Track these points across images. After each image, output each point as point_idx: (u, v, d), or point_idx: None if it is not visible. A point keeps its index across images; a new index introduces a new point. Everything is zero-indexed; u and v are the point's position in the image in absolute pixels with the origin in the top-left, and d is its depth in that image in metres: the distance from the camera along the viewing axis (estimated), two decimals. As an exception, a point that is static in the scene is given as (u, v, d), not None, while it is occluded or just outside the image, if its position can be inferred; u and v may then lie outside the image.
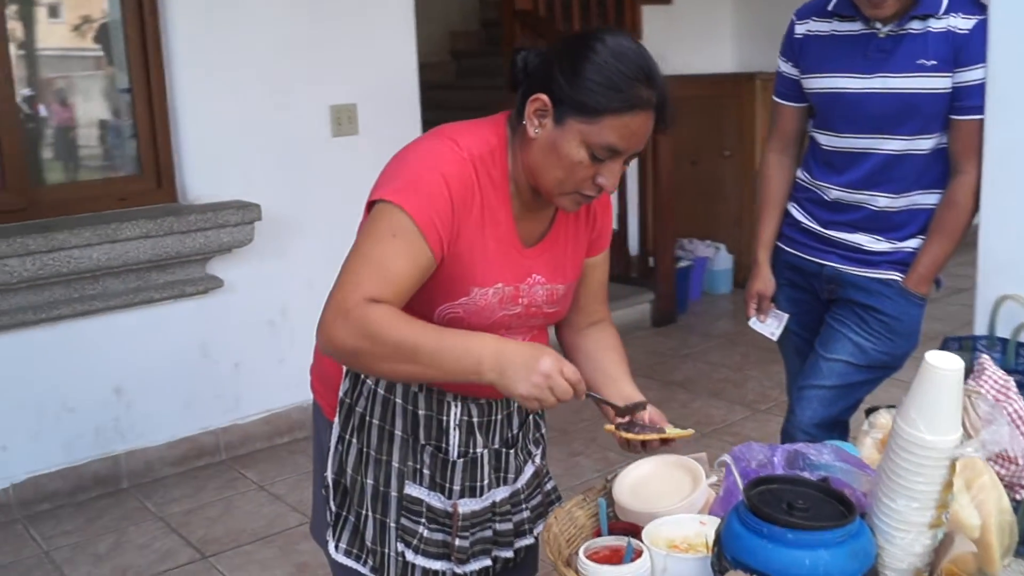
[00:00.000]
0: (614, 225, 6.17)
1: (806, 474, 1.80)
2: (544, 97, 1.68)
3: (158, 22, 3.92)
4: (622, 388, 1.91)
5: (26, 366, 3.69)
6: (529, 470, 2.01)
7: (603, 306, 2.05)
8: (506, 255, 1.79)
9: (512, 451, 1.96)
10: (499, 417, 1.93)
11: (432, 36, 8.28)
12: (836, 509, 1.59)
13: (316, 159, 4.33)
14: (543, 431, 2.09)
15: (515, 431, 1.98)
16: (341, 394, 1.89)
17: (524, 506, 2.00)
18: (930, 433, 1.56)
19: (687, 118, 6.69)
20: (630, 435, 1.79)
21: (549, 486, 2.08)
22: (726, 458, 1.74)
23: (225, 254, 4.05)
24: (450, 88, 7.90)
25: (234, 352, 4.21)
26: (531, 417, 2.03)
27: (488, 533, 1.94)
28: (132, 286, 3.83)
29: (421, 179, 1.66)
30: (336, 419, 1.90)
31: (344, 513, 1.92)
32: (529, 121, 1.71)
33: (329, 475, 1.92)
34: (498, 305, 1.80)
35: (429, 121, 6.45)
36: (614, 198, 6.07)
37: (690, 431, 1.82)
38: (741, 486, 1.67)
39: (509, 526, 1.96)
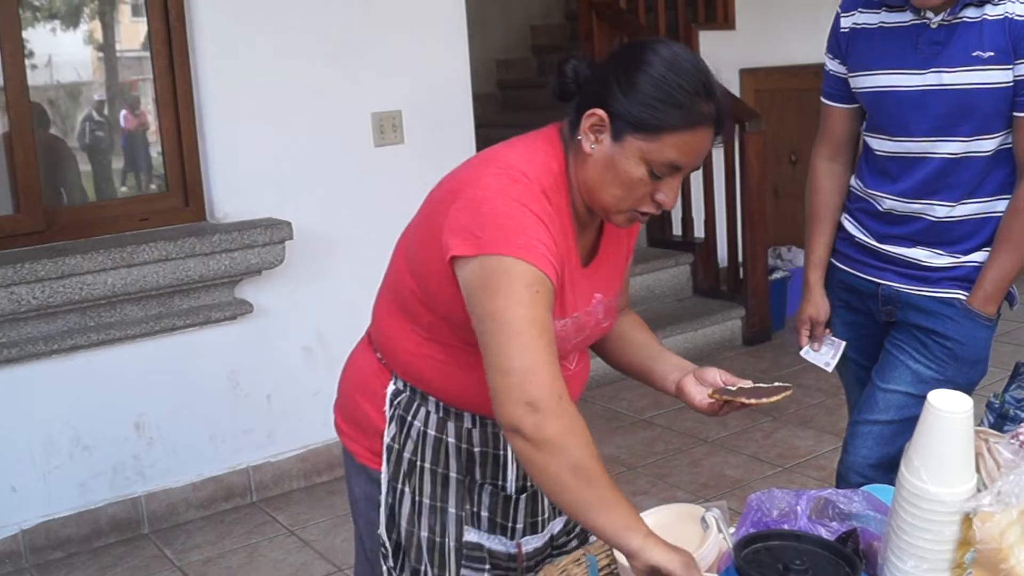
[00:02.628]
0: (700, 233, 6.14)
1: (834, 525, 1.78)
2: (601, 112, 1.73)
3: (184, 26, 4.00)
4: (671, 359, 2.04)
5: (38, 400, 3.76)
6: None
7: (626, 297, 2.14)
8: (576, 281, 1.84)
9: None
10: None
11: (512, 30, 8.34)
12: (841, 572, 1.57)
13: (356, 171, 4.37)
14: None
15: None
16: (388, 440, 1.93)
17: (574, 533, 2.09)
18: (935, 484, 1.53)
19: (786, 113, 6.64)
20: (738, 399, 1.89)
21: None
22: (714, 514, 1.72)
23: (255, 276, 4.10)
24: (532, 87, 7.94)
25: (266, 383, 4.25)
26: None
27: None
28: (153, 313, 3.92)
29: (521, 223, 1.69)
30: (384, 467, 1.94)
31: (398, 573, 1.96)
32: (585, 137, 1.76)
33: (383, 531, 1.96)
34: (574, 334, 1.87)
35: (508, 125, 6.56)
36: (699, 202, 6.03)
37: (788, 389, 1.91)
38: (730, 545, 1.65)
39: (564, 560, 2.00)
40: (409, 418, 1.91)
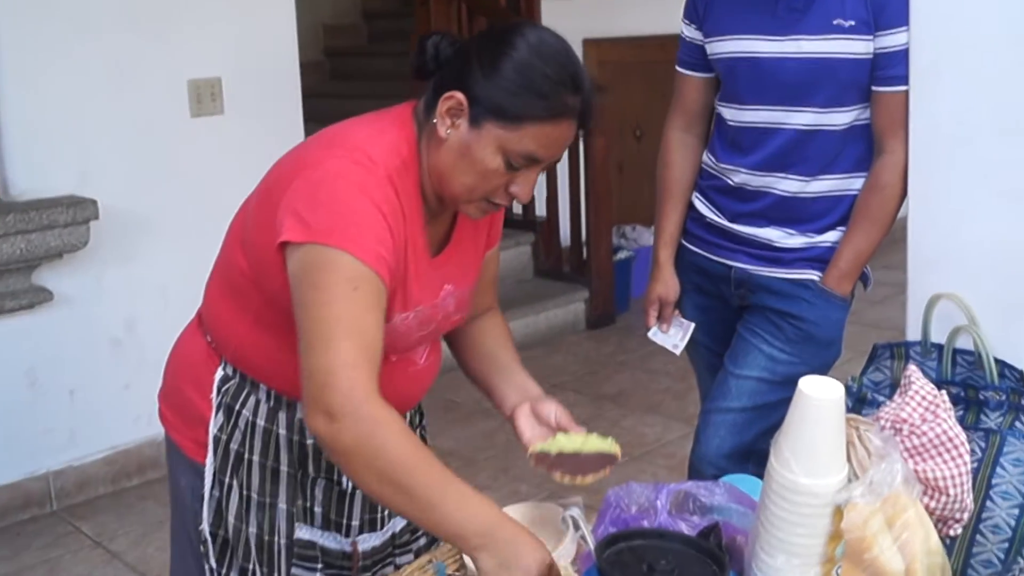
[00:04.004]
0: (542, 212, 6.16)
1: (695, 519, 1.79)
2: (460, 95, 1.71)
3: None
4: (515, 378, 2.01)
5: None
6: None
7: (493, 297, 2.13)
8: (422, 271, 1.83)
9: None
10: None
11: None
12: (708, 570, 1.57)
13: (170, 144, 4.26)
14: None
15: None
16: (215, 431, 1.91)
17: (421, 531, 2.06)
18: (806, 476, 1.54)
19: (631, 86, 6.69)
20: (554, 471, 1.84)
21: None
22: (572, 512, 1.70)
23: (55, 261, 3.96)
24: (362, 55, 7.84)
25: (69, 378, 4.11)
26: (418, 432, 2.12)
27: (389, 569, 2.00)
28: (-66, 303, 3.75)
29: (354, 211, 1.68)
30: (209, 460, 1.92)
31: (225, 572, 1.94)
32: (441, 120, 1.74)
33: (206, 527, 1.93)
34: (416, 328, 1.85)
35: (335, 94, 6.43)
36: (540, 179, 6.01)
37: (615, 449, 1.87)
38: (591, 545, 1.63)
39: (410, 557, 2.03)
40: (237, 407, 1.89)
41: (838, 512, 1.54)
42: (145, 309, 4.20)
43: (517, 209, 6.27)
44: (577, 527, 1.70)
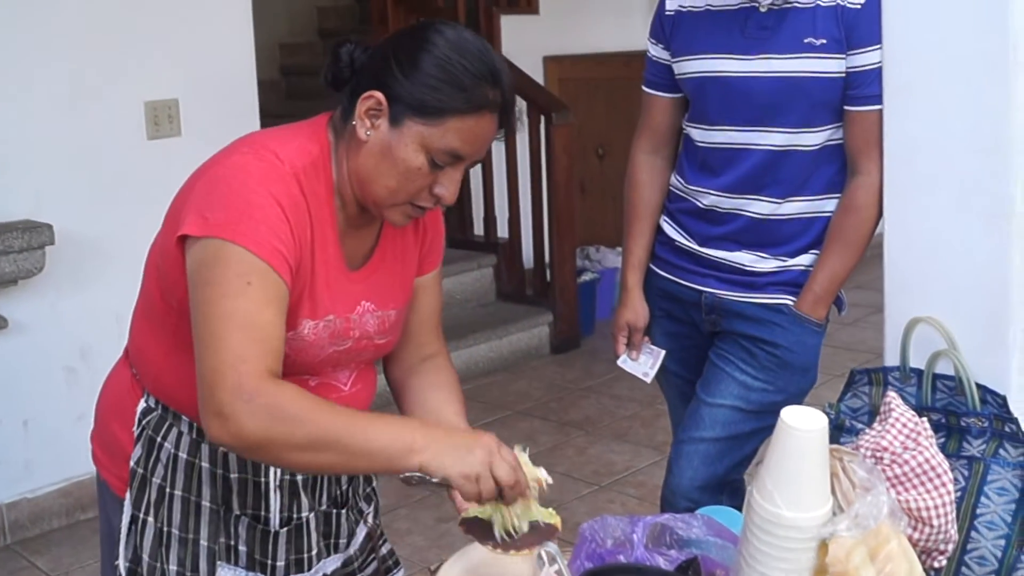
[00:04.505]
0: (504, 233, 6.14)
1: (673, 553, 1.76)
2: (379, 95, 1.72)
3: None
4: None
5: None
6: (362, 532, 2.04)
7: (437, 338, 2.08)
8: (335, 281, 1.80)
9: (343, 511, 1.99)
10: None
11: (296, 12, 8.20)
12: (687, 606, 1.55)
13: (127, 167, 4.22)
14: (374, 485, 2.12)
15: (344, 486, 2.01)
16: (133, 463, 1.87)
17: (362, 573, 2.04)
18: (790, 509, 1.52)
19: (593, 103, 6.70)
20: (486, 544, 1.70)
21: (385, 550, 2.11)
22: (548, 548, 1.66)
23: (10, 287, 3.91)
24: (318, 73, 7.79)
25: (22, 408, 4.06)
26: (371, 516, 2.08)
27: None
28: None
29: (251, 204, 1.66)
30: (128, 494, 1.87)
31: None
32: (360, 122, 1.73)
33: (122, 564, 1.89)
34: (328, 340, 1.81)
35: (292, 114, 6.40)
36: (502, 200, 6.02)
37: (556, 520, 1.74)
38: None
39: None
40: (159, 439, 1.85)
41: (823, 546, 1.52)
42: (100, 336, 4.13)
43: (479, 230, 6.26)
44: (553, 561, 1.67)
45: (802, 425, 1.50)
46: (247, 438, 1.57)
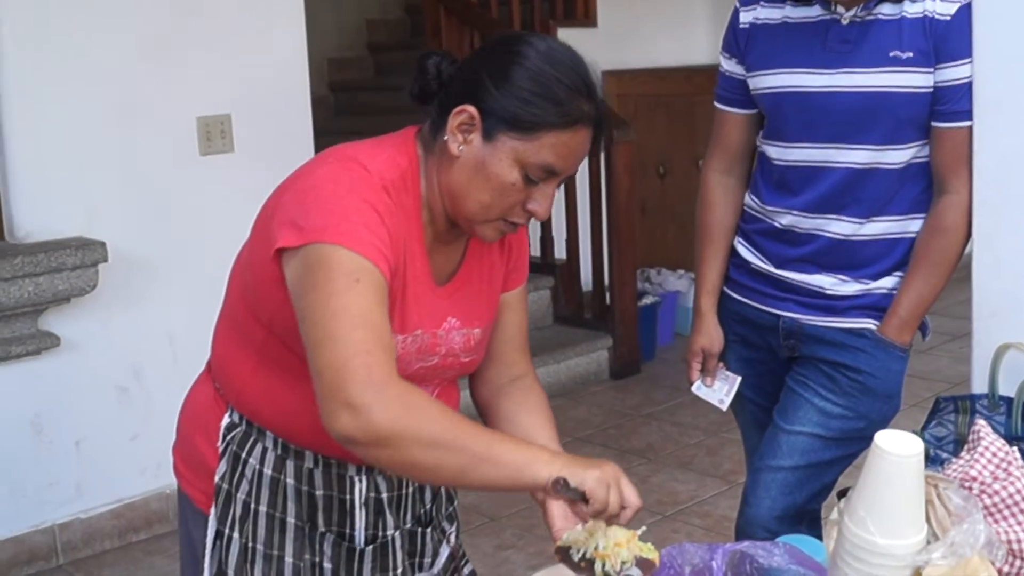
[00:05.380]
0: (561, 254, 6.13)
1: (752, 582, 1.75)
2: (471, 109, 1.72)
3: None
4: None
5: None
6: (445, 552, 2.06)
7: (524, 357, 2.09)
8: (423, 296, 1.82)
9: (427, 530, 2.01)
10: (410, 490, 1.97)
11: (345, 26, 8.21)
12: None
13: (179, 183, 4.26)
14: (456, 504, 2.13)
15: (428, 505, 2.03)
16: (217, 478, 1.89)
17: None
18: (883, 536, 1.52)
19: (653, 121, 6.68)
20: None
21: (467, 570, 2.12)
22: (632, 573, 1.66)
23: (63, 305, 3.95)
24: (368, 88, 7.84)
25: (75, 427, 4.09)
26: (442, 489, 2.07)
27: None
28: (-63, 348, 3.73)
29: (348, 208, 1.68)
30: (212, 510, 1.90)
31: None
32: (452, 136, 1.74)
33: None
34: (415, 356, 1.83)
35: (341, 131, 6.45)
36: (560, 220, 6.02)
37: (655, 555, 1.73)
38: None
39: None
40: (244, 455, 1.88)
41: (916, 574, 1.50)
42: (152, 356, 4.19)
43: (536, 252, 6.25)
44: None
45: (898, 450, 1.49)
46: (377, 429, 1.56)
